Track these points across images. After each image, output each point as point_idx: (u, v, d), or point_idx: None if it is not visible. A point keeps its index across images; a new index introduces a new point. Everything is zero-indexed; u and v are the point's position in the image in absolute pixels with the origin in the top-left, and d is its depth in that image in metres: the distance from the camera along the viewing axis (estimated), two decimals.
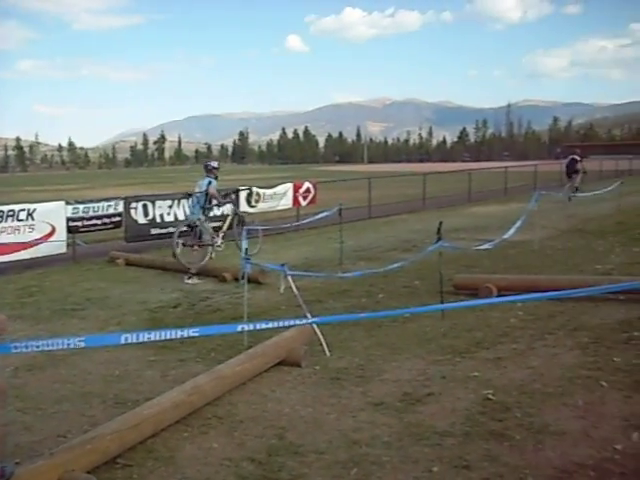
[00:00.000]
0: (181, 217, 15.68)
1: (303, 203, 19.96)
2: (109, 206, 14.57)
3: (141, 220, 15.13)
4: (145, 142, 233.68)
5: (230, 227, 13.38)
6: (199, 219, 12.11)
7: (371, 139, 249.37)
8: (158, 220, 15.46)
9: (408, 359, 6.58)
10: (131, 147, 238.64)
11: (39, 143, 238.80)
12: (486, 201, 26.72)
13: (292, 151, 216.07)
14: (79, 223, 13.88)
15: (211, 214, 13.02)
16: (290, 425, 5.02)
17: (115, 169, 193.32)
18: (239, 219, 13.69)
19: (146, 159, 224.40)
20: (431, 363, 6.42)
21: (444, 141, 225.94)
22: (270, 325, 4.45)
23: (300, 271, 9.92)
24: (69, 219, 13.57)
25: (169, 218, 15.64)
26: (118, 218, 14.74)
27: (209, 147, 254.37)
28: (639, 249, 12.70)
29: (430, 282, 9.68)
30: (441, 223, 8.41)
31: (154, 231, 15.41)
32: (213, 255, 12.26)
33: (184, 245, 11.91)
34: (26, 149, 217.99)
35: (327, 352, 6.76)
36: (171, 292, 10.47)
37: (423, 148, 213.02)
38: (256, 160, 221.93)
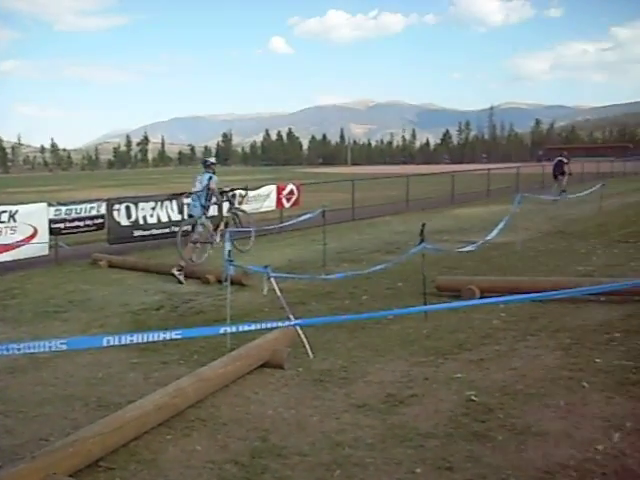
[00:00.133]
0: (164, 219, 15.72)
1: (287, 205, 19.94)
2: (92, 208, 14.49)
3: (124, 222, 15.05)
4: (128, 144, 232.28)
5: (227, 225, 13.56)
6: (201, 217, 12.54)
7: (354, 141, 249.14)
8: (141, 222, 15.38)
9: (391, 361, 6.60)
10: (114, 148, 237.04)
11: (21, 144, 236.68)
12: (469, 203, 26.82)
13: (276, 153, 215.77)
14: (61, 225, 13.80)
15: (209, 213, 13.30)
16: (273, 427, 5.02)
17: (98, 171, 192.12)
18: (235, 218, 14.13)
19: (129, 161, 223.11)
20: (414, 365, 6.44)
21: (427, 143, 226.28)
22: (253, 327, 4.46)
23: (283, 273, 9.91)
24: (51, 221, 13.49)
25: (152, 220, 15.58)
26: (101, 220, 14.65)
27: (193, 149, 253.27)
28: (620, 251, 12.80)
29: (413, 284, 9.71)
30: (424, 225, 8.44)
31: (137, 233, 15.34)
32: (211, 252, 12.62)
33: (194, 243, 12.34)
34: (8, 150, 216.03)
35: (310, 354, 6.77)
36: (154, 294, 10.43)
37: (406, 150, 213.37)
38: (240, 162, 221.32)
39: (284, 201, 19.84)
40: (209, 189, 12.53)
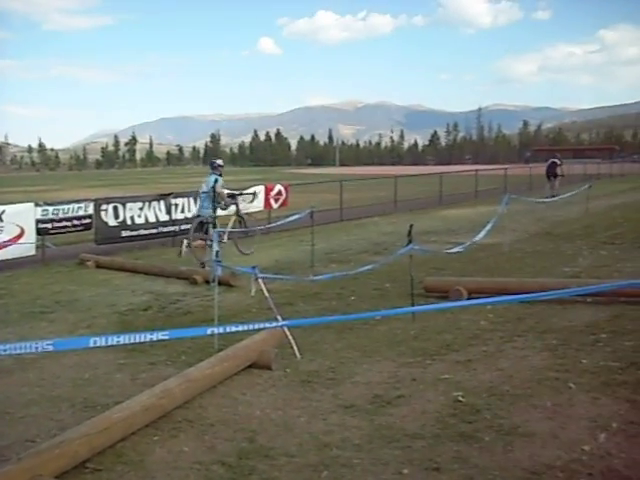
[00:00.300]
0: (152, 220, 15.71)
1: (275, 205, 19.92)
2: (79, 208, 14.44)
3: (111, 222, 15.01)
4: (116, 144, 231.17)
5: (233, 226, 13.87)
6: (211, 216, 12.83)
7: (343, 142, 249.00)
8: (129, 222, 15.34)
9: (379, 361, 6.61)
10: (102, 148, 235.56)
11: (9, 144, 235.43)
12: (457, 204, 26.92)
13: (264, 153, 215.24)
14: (49, 225, 13.74)
15: (217, 213, 13.49)
16: (261, 428, 5.01)
17: (86, 170, 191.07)
18: (240, 219, 14.30)
19: (117, 161, 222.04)
20: (402, 365, 6.45)
21: (415, 144, 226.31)
22: (240, 328, 4.46)
23: (271, 274, 9.92)
24: (38, 221, 13.43)
25: (140, 220, 15.54)
26: (88, 220, 14.61)
27: (181, 149, 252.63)
28: (606, 252, 12.88)
29: (401, 285, 9.73)
30: (412, 226, 8.46)
31: (125, 233, 15.30)
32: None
33: (205, 240, 12.58)
34: None
35: (298, 355, 6.76)
36: (141, 295, 10.40)
37: (395, 151, 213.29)
38: (228, 162, 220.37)
39: (272, 202, 19.81)
40: (215, 191, 12.82)
